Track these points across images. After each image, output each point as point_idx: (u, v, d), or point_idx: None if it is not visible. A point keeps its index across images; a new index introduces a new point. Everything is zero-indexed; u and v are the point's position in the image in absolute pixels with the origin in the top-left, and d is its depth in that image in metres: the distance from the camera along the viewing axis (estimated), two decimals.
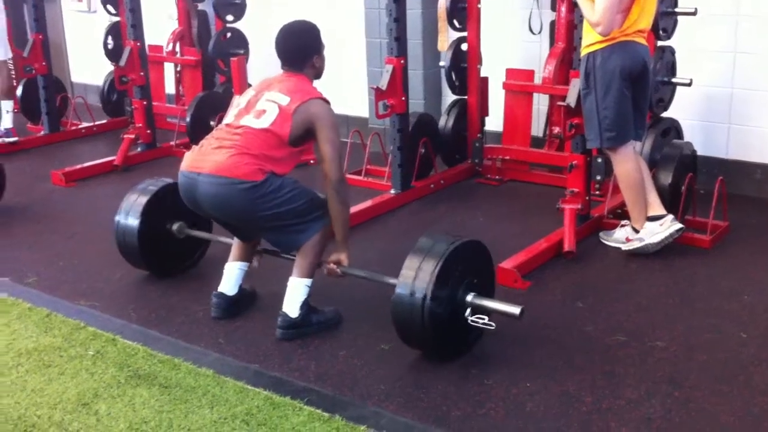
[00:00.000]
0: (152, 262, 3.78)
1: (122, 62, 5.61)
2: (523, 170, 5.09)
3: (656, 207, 3.85)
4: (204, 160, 3.10)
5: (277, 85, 3.19)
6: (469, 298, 2.94)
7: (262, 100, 3.15)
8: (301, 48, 3.24)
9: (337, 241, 3.27)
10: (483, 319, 2.91)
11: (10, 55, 6.42)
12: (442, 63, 5.19)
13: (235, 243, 3.43)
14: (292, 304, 3.21)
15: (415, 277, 2.87)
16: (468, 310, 2.93)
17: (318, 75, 3.33)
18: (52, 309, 3.55)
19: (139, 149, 5.81)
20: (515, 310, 2.90)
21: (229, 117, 3.21)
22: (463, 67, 5.12)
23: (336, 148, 3.16)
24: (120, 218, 3.72)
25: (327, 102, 3.19)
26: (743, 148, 4.67)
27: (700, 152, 4.32)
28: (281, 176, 3.10)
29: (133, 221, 3.67)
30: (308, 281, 3.23)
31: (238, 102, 3.26)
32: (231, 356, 3.09)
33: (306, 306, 3.23)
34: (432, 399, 2.76)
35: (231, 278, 3.40)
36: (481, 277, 3.06)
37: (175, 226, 3.73)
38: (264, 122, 3.09)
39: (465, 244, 2.98)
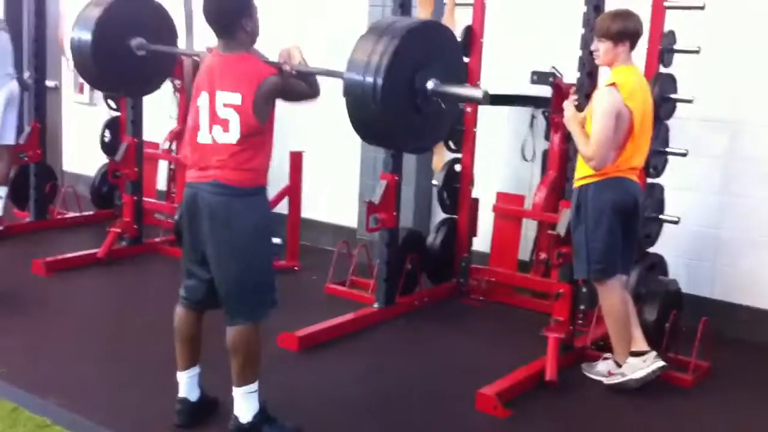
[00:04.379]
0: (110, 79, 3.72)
1: (118, 157, 5.65)
2: (508, 293, 5.08)
3: (640, 342, 3.84)
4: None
5: (222, 79, 3.05)
6: (431, 85, 2.82)
7: (219, 106, 3.03)
8: (226, 9, 3.06)
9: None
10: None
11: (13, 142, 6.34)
12: (435, 182, 5.26)
13: (178, 350, 3.33)
14: (243, 411, 3.12)
15: (368, 61, 2.71)
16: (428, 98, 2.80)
17: (252, 40, 3.12)
18: (20, 403, 3.45)
19: (124, 243, 5.78)
20: (478, 93, 2.77)
21: (203, 133, 3.09)
22: (455, 187, 5.19)
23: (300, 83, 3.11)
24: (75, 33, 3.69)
25: (276, 72, 3.06)
26: (729, 289, 4.69)
27: (684, 290, 4.34)
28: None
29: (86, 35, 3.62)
30: (252, 387, 3.12)
31: (199, 107, 3.11)
32: None
33: (261, 414, 3.13)
34: None
35: (186, 385, 3.32)
36: (446, 63, 2.92)
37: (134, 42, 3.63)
38: (233, 136, 3.01)
39: (425, 25, 2.84)
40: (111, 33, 4.15)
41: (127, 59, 4.16)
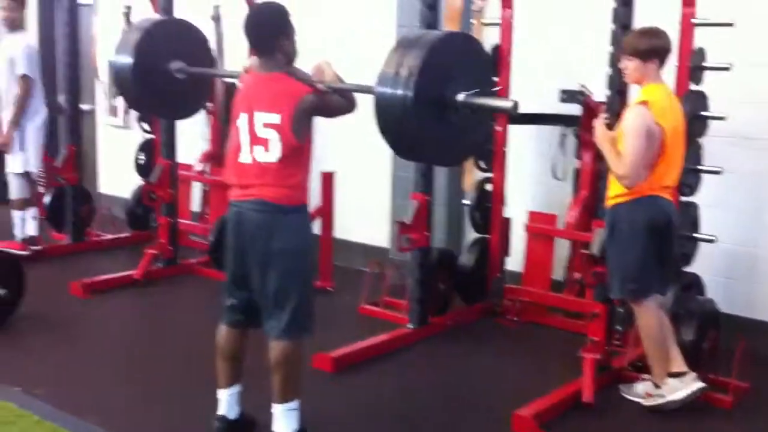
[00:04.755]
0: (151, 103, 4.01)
1: (152, 179, 5.73)
2: (541, 313, 5.06)
3: (678, 363, 3.80)
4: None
5: (260, 100, 3.13)
6: (461, 97, 2.84)
7: (259, 126, 3.11)
8: (265, 28, 3.17)
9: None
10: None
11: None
12: (466, 201, 5.27)
13: (220, 367, 3.38)
14: (283, 429, 3.17)
15: (398, 74, 2.75)
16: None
17: (289, 60, 3.21)
18: (60, 424, 3.51)
19: (159, 264, 5.85)
20: (508, 104, 2.80)
21: (244, 153, 3.17)
22: (487, 207, 5.19)
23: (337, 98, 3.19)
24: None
25: (314, 92, 3.14)
26: (767, 308, 4.63)
27: (722, 310, 4.29)
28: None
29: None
30: (292, 405, 3.18)
31: (239, 127, 3.18)
32: None
33: None
34: None
35: (226, 403, 3.35)
36: (475, 74, 2.95)
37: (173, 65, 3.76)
38: (273, 155, 3.09)
39: (454, 36, 2.90)
40: (151, 56, 4.24)
41: (167, 82, 4.25)
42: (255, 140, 3.12)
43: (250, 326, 3.34)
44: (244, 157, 3.16)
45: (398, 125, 2.95)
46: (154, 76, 4.23)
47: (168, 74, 4.26)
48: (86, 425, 3.50)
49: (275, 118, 3.08)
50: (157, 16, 5.30)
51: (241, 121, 3.17)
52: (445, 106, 2.98)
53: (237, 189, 3.20)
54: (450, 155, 3.29)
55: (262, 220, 3.12)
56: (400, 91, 2.89)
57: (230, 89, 6.11)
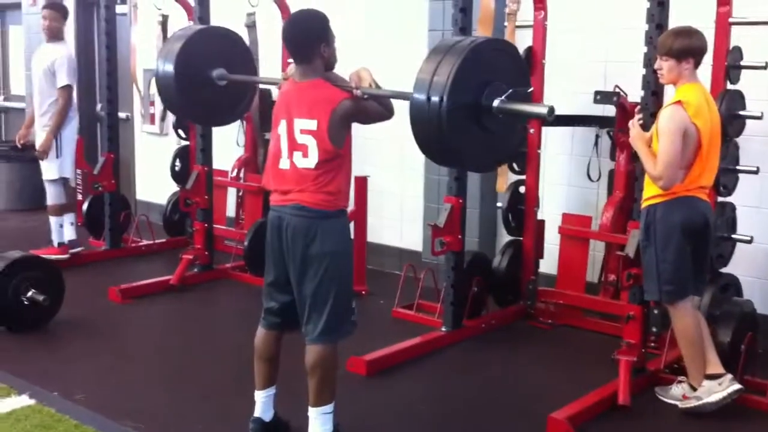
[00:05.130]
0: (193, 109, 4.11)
1: (189, 185, 5.80)
2: (576, 316, 5.03)
3: (715, 365, 3.76)
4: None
5: (299, 106, 3.16)
6: (496, 103, 2.86)
7: (297, 132, 3.15)
8: (306, 35, 3.18)
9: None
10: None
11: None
12: (499, 204, 5.26)
13: (257, 369, 3.40)
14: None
15: (434, 80, 2.77)
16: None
17: (329, 66, 3.24)
18: (98, 428, 3.55)
19: (195, 270, 5.91)
20: (543, 109, 2.82)
21: (283, 159, 3.21)
22: (520, 209, 5.18)
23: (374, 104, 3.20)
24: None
25: (351, 97, 3.16)
26: None
27: (759, 311, 4.23)
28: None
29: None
30: (328, 408, 3.20)
31: (279, 134, 3.22)
32: None
33: None
34: None
35: (262, 404, 3.38)
36: (511, 80, 2.95)
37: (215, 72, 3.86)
38: (311, 161, 3.12)
39: (490, 42, 2.91)
40: (192, 64, 4.30)
41: (209, 89, 4.30)
42: (294, 146, 3.16)
43: (287, 330, 3.38)
44: (284, 163, 3.20)
45: (434, 132, 2.96)
46: (196, 84, 4.29)
47: (210, 81, 4.31)
48: (123, 429, 3.55)
49: (312, 125, 3.11)
50: (192, 24, 5.35)
51: (281, 128, 3.21)
52: (481, 112, 2.99)
53: (277, 194, 3.24)
54: (485, 161, 3.29)
55: (302, 225, 3.15)
56: (436, 98, 2.91)
57: (265, 96, 6.17)
